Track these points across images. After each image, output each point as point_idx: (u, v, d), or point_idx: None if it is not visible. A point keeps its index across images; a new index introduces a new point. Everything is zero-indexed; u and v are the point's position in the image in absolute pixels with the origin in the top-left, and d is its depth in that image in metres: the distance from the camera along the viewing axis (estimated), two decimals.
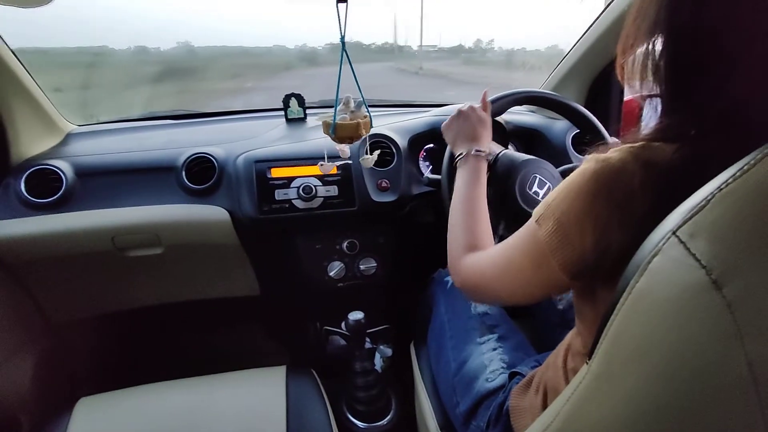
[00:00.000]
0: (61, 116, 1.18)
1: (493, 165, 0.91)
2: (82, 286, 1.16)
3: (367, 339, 1.17)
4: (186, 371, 0.94)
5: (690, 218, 0.30)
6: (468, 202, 0.73)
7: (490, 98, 0.90)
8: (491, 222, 0.93)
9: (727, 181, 0.29)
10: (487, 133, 0.84)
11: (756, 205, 0.28)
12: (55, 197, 0.99)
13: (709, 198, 0.29)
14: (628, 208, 0.42)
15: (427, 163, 1.21)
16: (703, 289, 0.28)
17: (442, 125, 0.88)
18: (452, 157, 0.85)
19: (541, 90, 0.98)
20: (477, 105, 0.87)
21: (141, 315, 1.27)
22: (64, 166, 1.02)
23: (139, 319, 1.32)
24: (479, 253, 0.64)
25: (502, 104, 0.92)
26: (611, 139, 0.96)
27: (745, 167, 0.28)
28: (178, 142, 1.14)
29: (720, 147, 0.31)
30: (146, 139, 1.18)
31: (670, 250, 0.31)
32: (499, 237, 0.92)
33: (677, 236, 0.30)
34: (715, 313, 0.28)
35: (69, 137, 1.18)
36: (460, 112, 0.85)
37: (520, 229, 0.55)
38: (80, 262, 1.07)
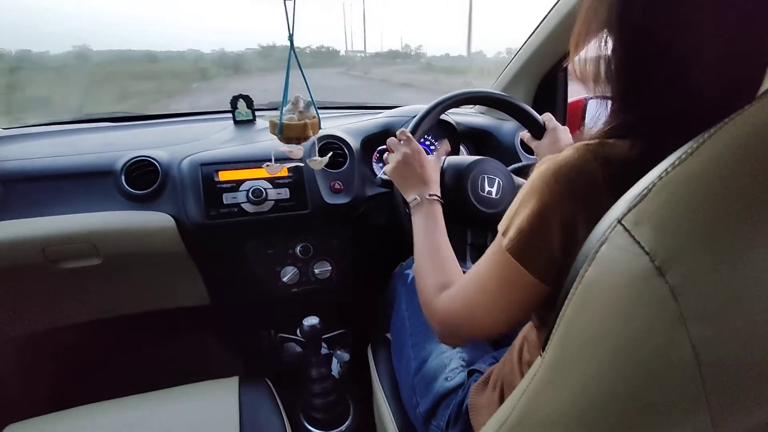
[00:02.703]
0: None
1: (442, 178, 0.91)
2: (9, 303, 1.06)
3: (324, 344, 1.15)
4: (132, 389, 0.88)
5: (634, 206, 0.30)
6: (431, 248, 0.71)
7: (408, 128, 0.88)
8: (459, 236, 0.93)
9: (666, 169, 0.30)
10: (435, 174, 0.82)
11: (694, 192, 0.28)
12: None
13: (650, 186, 0.30)
14: (592, 204, 0.40)
15: (381, 165, 1.21)
16: (647, 275, 0.29)
17: (390, 171, 0.84)
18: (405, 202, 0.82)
19: (450, 94, 0.95)
20: (413, 142, 0.84)
21: (79, 331, 1.19)
22: None
23: (77, 336, 1.24)
24: (451, 288, 0.61)
25: (421, 128, 0.91)
26: (547, 120, 0.97)
27: (683, 156, 0.29)
28: (116, 146, 1.07)
29: (674, 143, 0.31)
30: (80, 142, 1.11)
31: (616, 238, 0.31)
32: (470, 245, 0.93)
33: (622, 224, 0.31)
34: (659, 299, 0.28)
35: None
36: (405, 156, 0.82)
37: (488, 248, 0.53)
38: (6, 277, 0.98)
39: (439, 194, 0.79)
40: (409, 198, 0.80)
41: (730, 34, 0.38)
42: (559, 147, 0.93)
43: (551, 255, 0.44)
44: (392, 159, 0.84)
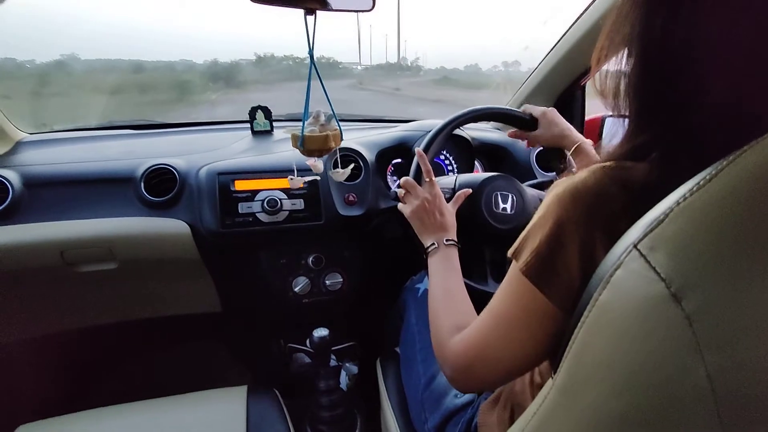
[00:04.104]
0: (10, 123, 1.12)
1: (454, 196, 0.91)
2: (27, 304, 1.08)
3: (332, 356, 1.15)
4: (142, 393, 0.89)
5: (650, 231, 0.30)
6: (446, 290, 0.70)
7: (421, 147, 0.89)
8: (477, 255, 0.93)
9: (684, 195, 0.29)
10: (451, 218, 0.82)
11: (712, 219, 0.28)
12: (0, 208, 0.93)
13: (667, 212, 0.30)
14: (611, 228, 0.39)
15: (395, 178, 1.21)
16: (662, 301, 0.28)
17: (408, 214, 0.83)
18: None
19: (465, 110, 0.96)
20: (435, 186, 0.83)
21: (93, 334, 1.21)
22: (10, 176, 0.96)
23: (91, 338, 1.25)
24: (465, 329, 0.57)
25: (435, 145, 0.92)
26: (528, 110, 0.97)
27: (701, 182, 0.29)
28: (137, 153, 1.09)
29: (693, 167, 0.31)
30: (102, 149, 1.13)
31: (631, 263, 0.31)
32: (489, 262, 0.93)
33: (638, 249, 0.31)
34: (674, 326, 0.28)
35: (19, 145, 1.12)
36: (424, 202, 0.81)
37: (502, 282, 0.51)
38: (25, 278, 1.00)
39: (456, 239, 0.79)
40: (426, 243, 0.79)
41: (748, 56, 0.38)
42: (560, 127, 0.92)
43: (570, 280, 0.42)
44: (411, 202, 0.83)
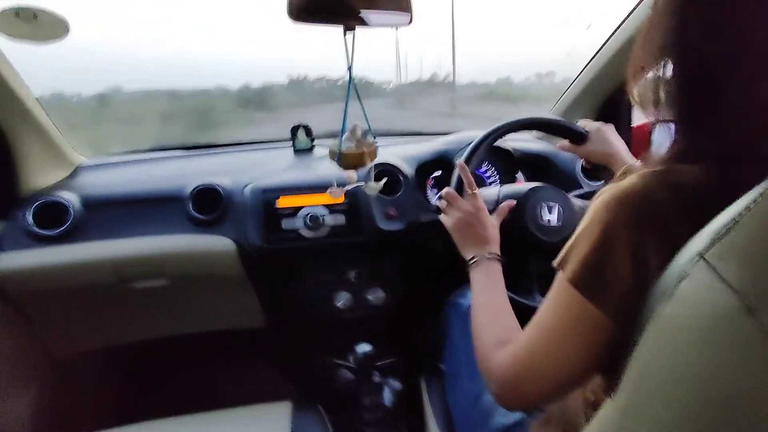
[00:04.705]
0: (71, 149, 1.19)
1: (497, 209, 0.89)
2: (85, 319, 1.14)
3: (376, 372, 1.14)
4: (189, 406, 0.91)
5: (718, 240, 0.28)
6: (490, 304, 0.69)
7: (462, 158, 0.87)
8: (521, 267, 0.91)
9: (756, 200, 0.27)
10: (494, 231, 0.80)
11: None
12: (62, 229, 0.99)
13: (736, 219, 0.28)
14: (663, 233, 0.38)
15: (435, 191, 1.20)
16: (736, 315, 0.26)
17: (450, 227, 0.82)
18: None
19: (504, 122, 0.93)
20: (478, 199, 0.81)
21: (144, 348, 1.25)
22: (71, 198, 1.02)
23: (142, 352, 1.30)
24: (511, 343, 0.55)
25: (476, 156, 0.90)
26: (584, 124, 0.93)
27: None
28: (186, 173, 1.14)
29: (749, 167, 0.29)
30: (154, 170, 1.19)
31: (698, 273, 0.29)
32: (535, 276, 0.91)
33: (705, 259, 0.29)
34: (750, 341, 0.26)
35: (79, 170, 1.19)
36: (467, 216, 0.79)
37: (548, 293, 0.50)
38: (84, 295, 1.06)
39: (499, 253, 0.77)
40: (467, 256, 0.77)
41: None
42: (612, 145, 0.89)
43: (621, 287, 0.41)
44: (452, 214, 0.81)
